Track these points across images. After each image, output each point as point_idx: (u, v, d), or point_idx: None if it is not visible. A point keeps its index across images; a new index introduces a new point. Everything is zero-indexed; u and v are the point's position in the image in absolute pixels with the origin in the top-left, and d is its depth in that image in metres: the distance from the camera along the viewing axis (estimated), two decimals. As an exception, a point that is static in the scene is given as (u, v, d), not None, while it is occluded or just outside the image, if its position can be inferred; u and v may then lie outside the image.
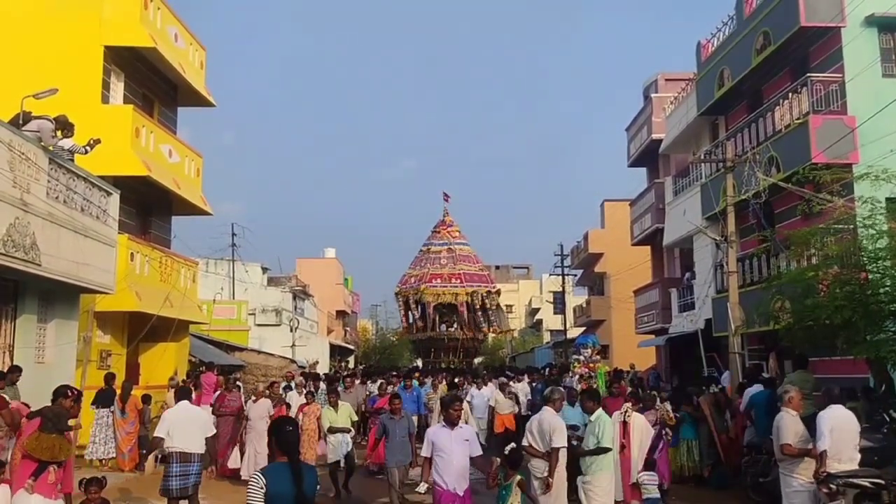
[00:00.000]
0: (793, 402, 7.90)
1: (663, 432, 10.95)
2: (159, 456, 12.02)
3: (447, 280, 35.63)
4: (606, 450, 8.40)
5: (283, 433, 4.94)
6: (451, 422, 7.35)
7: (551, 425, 8.25)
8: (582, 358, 17.34)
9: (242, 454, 13.10)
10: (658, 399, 12.11)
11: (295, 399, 15.56)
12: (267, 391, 14.11)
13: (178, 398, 9.69)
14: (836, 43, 16.12)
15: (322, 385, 18.02)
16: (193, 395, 14.02)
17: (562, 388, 9.98)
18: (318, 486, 4.94)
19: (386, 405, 13.49)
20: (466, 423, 9.71)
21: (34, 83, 13.75)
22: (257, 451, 12.62)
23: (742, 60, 19.17)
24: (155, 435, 9.60)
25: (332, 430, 12.13)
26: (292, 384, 18.41)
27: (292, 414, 13.29)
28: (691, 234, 21.85)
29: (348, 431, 12.43)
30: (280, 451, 4.90)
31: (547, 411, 8.47)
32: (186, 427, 9.12)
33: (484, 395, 17.86)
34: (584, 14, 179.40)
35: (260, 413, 13.02)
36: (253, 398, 13.76)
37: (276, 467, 4.84)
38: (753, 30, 18.47)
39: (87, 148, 13.50)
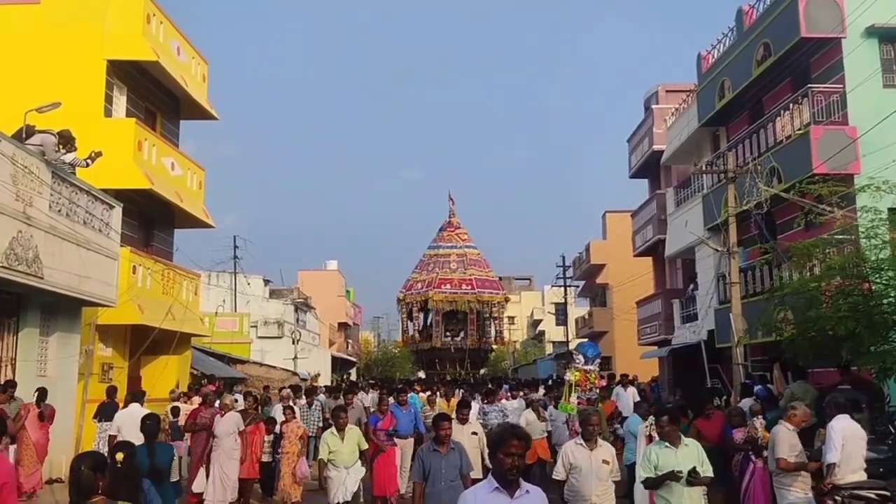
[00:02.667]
0: (794, 418, 7.85)
1: (751, 454, 8.82)
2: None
3: (457, 286, 33.49)
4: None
5: (143, 425, 7.82)
6: (507, 479, 3.97)
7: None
8: (594, 369, 13.73)
9: (208, 475, 11.21)
10: (750, 413, 9.84)
11: (279, 414, 13.57)
12: (233, 404, 12.18)
13: (130, 401, 11.46)
14: (837, 54, 16.15)
15: (317, 401, 16.25)
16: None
17: (597, 410, 8.46)
18: (173, 460, 7.16)
19: (390, 426, 11.81)
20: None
21: (37, 97, 13.85)
22: (224, 472, 10.95)
23: (743, 71, 19.22)
24: (109, 433, 11.10)
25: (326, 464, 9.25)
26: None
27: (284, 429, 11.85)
28: (693, 244, 21.83)
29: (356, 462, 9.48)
30: (143, 435, 7.73)
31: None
32: (132, 425, 10.65)
33: (473, 414, 14.15)
34: (586, 27, 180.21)
35: (227, 429, 11.19)
36: (220, 412, 11.68)
37: (140, 446, 7.18)
38: (754, 41, 18.52)
39: (89, 161, 13.55)
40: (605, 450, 6.89)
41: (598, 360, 14.08)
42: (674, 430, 6.67)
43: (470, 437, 9.61)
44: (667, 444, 6.60)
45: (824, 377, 13.81)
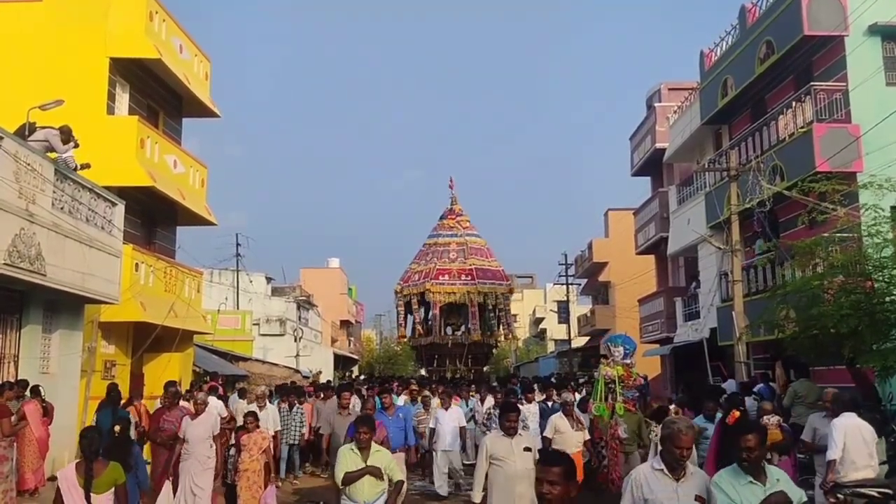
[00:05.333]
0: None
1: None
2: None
3: (456, 276, 31.66)
4: None
5: (107, 395, 11.07)
6: None
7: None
8: (633, 363, 11.56)
9: (175, 489, 9.16)
10: (762, 410, 9.01)
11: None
12: (204, 403, 9.72)
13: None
14: (840, 52, 16.13)
15: (305, 403, 14.53)
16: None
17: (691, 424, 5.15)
18: (130, 423, 7.77)
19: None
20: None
21: (40, 95, 13.84)
22: (195, 484, 9.06)
23: (745, 69, 19.20)
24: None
25: (348, 481, 6.43)
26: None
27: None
28: (696, 242, 21.81)
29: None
30: (107, 402, 10.92)
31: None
32: None
33: (454, 419, 12.54)
34: (588, 24, 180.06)
35: (201, 433, 9.23)
36: (190, 412, 9.67)
37: (104, 411, 9.59)
38: (756, 39, 18.50)
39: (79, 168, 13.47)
40: (699, 480, 4.59)
41: (633, 355, 11.60)
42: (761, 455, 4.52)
43: (522, 455, 6.63)
44: (751, 478, 4.42)
45: (826, 375, 13.80)
